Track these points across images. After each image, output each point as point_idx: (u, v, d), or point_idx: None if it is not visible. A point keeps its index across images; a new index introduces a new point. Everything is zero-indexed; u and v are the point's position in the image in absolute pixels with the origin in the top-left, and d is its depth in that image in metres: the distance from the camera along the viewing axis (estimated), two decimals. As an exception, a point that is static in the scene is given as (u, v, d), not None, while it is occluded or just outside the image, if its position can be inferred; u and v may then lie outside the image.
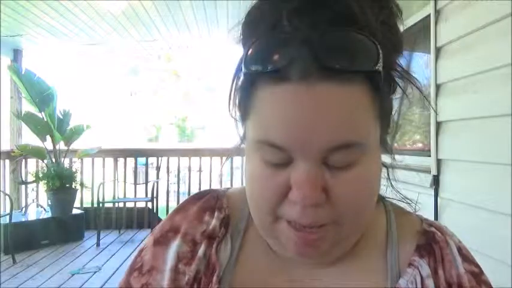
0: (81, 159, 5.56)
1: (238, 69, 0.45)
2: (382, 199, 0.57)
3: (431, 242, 0.51)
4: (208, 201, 0.57)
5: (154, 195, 5.23)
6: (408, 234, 0.52)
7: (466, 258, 0.51)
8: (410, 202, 0.57)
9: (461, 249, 0.51)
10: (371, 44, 0.40)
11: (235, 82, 0.47)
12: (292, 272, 0.52)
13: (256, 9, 0.45)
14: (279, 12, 0.41)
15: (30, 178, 5.30)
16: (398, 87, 0.49)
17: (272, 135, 0.41)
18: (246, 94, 0.45)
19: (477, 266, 0.51)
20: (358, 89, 0.40)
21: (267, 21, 0.42)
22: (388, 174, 0.56)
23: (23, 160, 5.44)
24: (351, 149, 0.41)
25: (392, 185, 0.57)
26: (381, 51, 0.40)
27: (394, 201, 0.58)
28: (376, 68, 0.40)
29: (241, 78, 0.45)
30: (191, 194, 0.61)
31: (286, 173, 0.42)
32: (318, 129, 0.40)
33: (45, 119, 5.07)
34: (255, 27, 0.44)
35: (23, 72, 5.05)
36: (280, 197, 0.44)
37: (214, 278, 0.51)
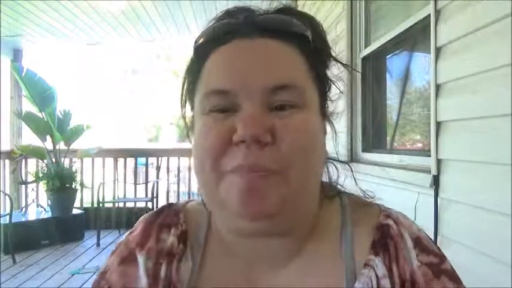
0: (81, 159, 5.56)
1: (189, 65, 0.54)
2: (339, 194, 0.56)
3: (386, 237, 0.50)
4: (166, 218, 0.57)
5: (154, 195, 5.23)
6: (364, 230, 0.51)
7: (425, 249, 0.49)
8: (369, 196, 0.57)
9: (420, 240, 0.50)
10: (297, 21, 0.50)
11: (184, 81, 0.54)
12: (253, 273, 0.52)
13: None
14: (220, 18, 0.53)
15: (30, 178, 5.30)
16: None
17: (218, 82, 0.47)
18: (196, 70, 0.51)
19: (437, 255, 0.49)
20: (290, 47, 0.49)
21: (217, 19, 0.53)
22: (350, 167, 0.59)
23: (23, 160, 5.43)
24: (289, 91, 0.46)
25: (355, 179, 0.58)
26: (309, 28, 0.50)
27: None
28: (304, 34, 0.50)
29: (191, 59, 0.53)
30: (146, 215, 0.59)
31: (231, 119, 0.45)
32: (258, 71, 0.46)
33: (46, 119, 5.06)
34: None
35: (24, 72, 5.05)
36: (225, 143, 0.45)
37: None
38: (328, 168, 0.57)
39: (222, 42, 0.49)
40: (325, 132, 0.54)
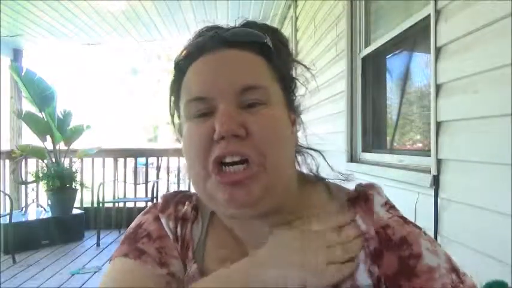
0: (81, 159, 5.56)
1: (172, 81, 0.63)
2: (320, 180, 0.64)
3: (359, 196, 0.58)
4: (182, 197, 0.68)
5: (154, 195, 5.23)
6: (339, 203, 0.60)
7: (393, 207, 0.58)
8: (344, 178, 0.65)
9: (388, 202, 0.58)
10: (256, 31, 0.59)
11: (171, 94, 0.64)
12: (245, 248, 0.59)
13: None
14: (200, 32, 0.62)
15: (30, 178, 5.30)
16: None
17: (196, 91, 0.56)
18: (178, 85, 0.60)
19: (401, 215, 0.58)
20: (253, 54, 0.58)
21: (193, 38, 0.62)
22: (322, 154, 0.67)
23: (23, 160, 5.44)
24: (256, 91, 0.54)
25: (329, 164, 0.67)
26: (268, 37, 0.59)
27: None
28: (264, 41, 0.59)
29: (173, 76, 0.62)
30: (166, 193, 0.72)
31: (210, 121, 0.53)
32: (228, 77, 0.55)
33: (46, 119, 5.06)
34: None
35: (23, 72, 5.05)
36: (208, 143, 0.53)
37: (190, 254, 0.61)
38: (306, 160, 0.66)
39: (195, 58, 0.58)
40: (293, 123, 0.62)
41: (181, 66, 0.60)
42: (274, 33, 0.63)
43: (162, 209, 0.66)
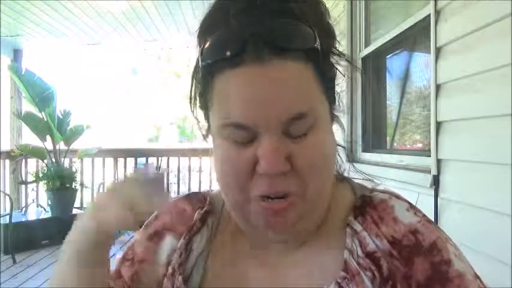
0: (81, 159, 5.56)
1: (196, 69, 0.53)
2: (348, 181, 0.61)
3: (366, 205, 0.54)
4: (197, 202, 0.65)
5: (154, 195, 5.22)
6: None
7: (419, 210, 0.54)
8: (371, 179, 0.61)
9: (412, 205, 0.54)
10: (308, 29, 0.47)
11: (194, 84, 0.54)
12: (262, 256, 0.57)
13: (209, 12, 0.51)
14: (227, 12, 0.47)
15: (30, 178, 5.30)
16: (340, 69, 0.56)
17: (236, 116, 0.46)
18: (205, 87, 0.51)
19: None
20: (303, 65, 0.47)
21: (217, 21, 0.48)
22: (348, 154, 0.63)
23: (23, 160, 5.43)
24: (305, 118, 0.47)
25: (352, 163, 0.64)
26: (317, 35, 0.48)
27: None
28: (315, 46, 0.47)
29: (199, 74, 0.52)
30: (182, 194, 0.68)
31: (252, 149, 0.47)
32: (276, 104, 0.45)
33: (45, 119, 5.06)
34: (207, 28, 0.50)
35: (23, 72, 5.05)
36: (249, 173, 0.48)
37: (188, 265, 0.59)
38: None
39: (231, 63, 0.46)
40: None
41: (209, 67, 0.49)
42: (318, 15, 0.51)
43: (170, 221, 0.65)
